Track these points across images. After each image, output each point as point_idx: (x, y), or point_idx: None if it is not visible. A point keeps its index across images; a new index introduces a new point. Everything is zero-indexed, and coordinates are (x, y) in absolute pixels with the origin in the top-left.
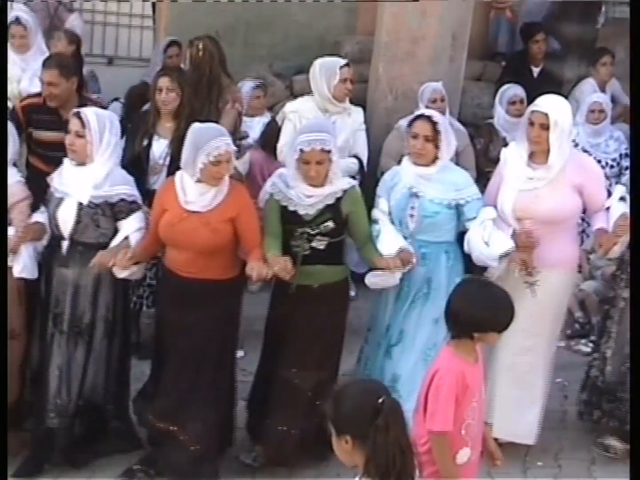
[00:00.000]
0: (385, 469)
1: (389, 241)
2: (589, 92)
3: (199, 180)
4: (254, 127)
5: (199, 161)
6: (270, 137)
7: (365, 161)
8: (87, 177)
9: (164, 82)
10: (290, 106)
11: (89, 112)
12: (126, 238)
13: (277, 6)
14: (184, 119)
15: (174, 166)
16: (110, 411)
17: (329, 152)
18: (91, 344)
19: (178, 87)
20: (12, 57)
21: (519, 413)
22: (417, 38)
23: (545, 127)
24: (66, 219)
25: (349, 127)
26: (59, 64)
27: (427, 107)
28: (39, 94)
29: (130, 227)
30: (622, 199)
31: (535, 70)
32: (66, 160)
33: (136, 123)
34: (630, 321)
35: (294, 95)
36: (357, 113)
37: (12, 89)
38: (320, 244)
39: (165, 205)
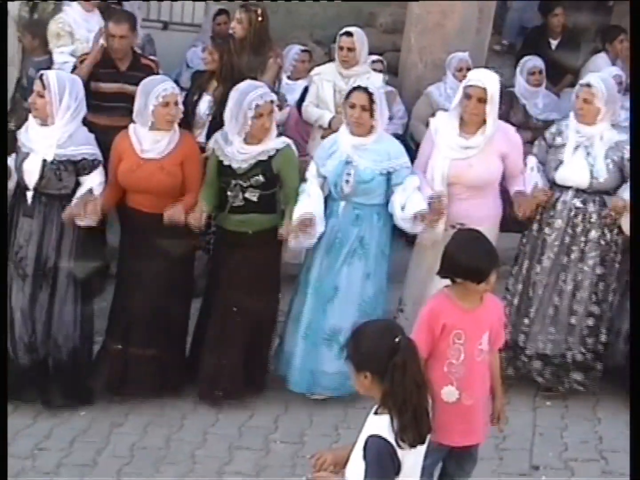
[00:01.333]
0: (403, 403)
1: (304, 204)
2: (603, 66)
3: (152, 128)
4: (297, 89)
5: (150, 104)
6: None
7: None
8: (51, 136)
9: (209, 46)
10: (315, 70)
11: (51, 75)
12: (90, 190)
13: None
14: (225, 80)
15: (213, 123)
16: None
17: (272, 102)
18: (55, 287)
19: (217, 52)
20: (78, 17)
21: None
22: (446, 11)
23: (483, 101)
24: (31, 172)
25: None
26: (128, 18)
27: (453, 75)
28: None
29: (93, 182)
30: (531, 169)
31: (554, 43)
32: (31, 118)
33: (194, 80)
34: (631, 319)
35: (332, 61)
36: (376, 77)
37: (82, 48)
38: (252, 195)
39: (122, 155)
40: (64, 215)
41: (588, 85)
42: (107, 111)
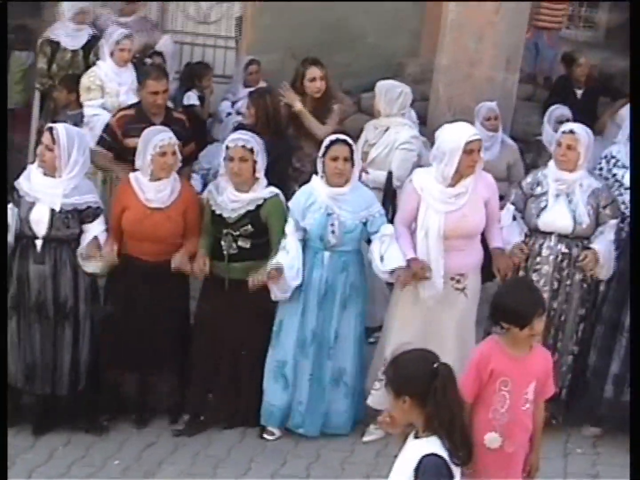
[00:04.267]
0: (450, 423)
1: (280, 256)
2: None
3: (152, 178)
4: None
5: (148, 154)
6: None
7: (397, 178)
8: (58, 186)
9: (249, 102)
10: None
11: (60, 129)
12: (95, 238)
13: (350, 29)
14: (258, 135)
15: None
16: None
17: (251, 150)
18: (77, 324)
19: (253, 106)
20: (110, 72)
21: None
22: (475, 61)
23: (479, 151)
24: (39, 221)
25: (389, 144)
26: (164, 74)
27: (482, 123)
28: (130, 106)
29: (97, 229)
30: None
31: (579, 92)
32: (33, 167)
33: None
34: (631, 321)
35: (362, 111)
36: (404, 132)
37: (112, 102)
38: (245, 243)
39: (125, 205)
40: (79, 259)
41: (571, 131)
42: None
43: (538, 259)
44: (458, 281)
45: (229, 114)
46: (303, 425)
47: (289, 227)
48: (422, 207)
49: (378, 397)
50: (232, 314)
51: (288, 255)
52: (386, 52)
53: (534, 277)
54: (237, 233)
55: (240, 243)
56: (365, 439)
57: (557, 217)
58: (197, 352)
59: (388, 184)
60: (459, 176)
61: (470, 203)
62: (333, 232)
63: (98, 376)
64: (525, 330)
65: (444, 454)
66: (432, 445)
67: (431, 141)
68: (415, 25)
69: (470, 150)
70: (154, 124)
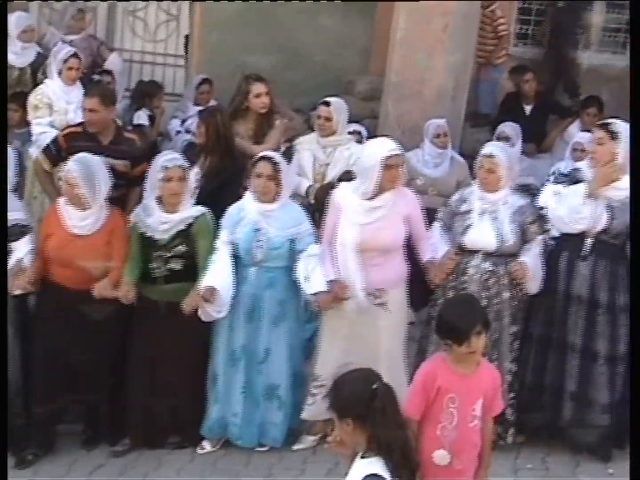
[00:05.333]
0: (388, 444)
1: (211, 274)
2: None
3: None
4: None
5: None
6: None
7: None
8: None
9: (199, 121)
10: (297, 139)
11: None
12: (19, 260)
13: (299, 47)
14: (213, 153)
15: (200, 195)
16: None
17: (184, 169)
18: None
19: (204, 125)
20: (58, 90)
21: None
22: (424, 78)
23: (400, 167)
24: None
25: (344, 161)
26: (99, 92)
27: (431, 141)
28: (79, 124)
29: (23, 249)
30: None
31: (528, 109)
32: None
33: (185, 152)
34: (630, 324)
35: (312, 129)
36: (355, 148)
37: (60, 120)
38: (176, 264)
39: (50, 230)
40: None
41: (490, 155)
42: None
43: (464, 277)
44: (377, 297)
45: (179, 132)
46: (241, 437)
47: (222, 240)
48: (341, 220)
49: (311, 410)
50: (165, 337)
51: (218, 271)
52: (336, 70)
53: None
54: (170, 254)
55: (171, 265)
56: (295, 447)
57: (481, 235)
58: (133, 376)
59: None
60: (379, 191)
61: (387, 217)
62: (260, 247)
63: (27, 406)
64: (463, 346)
65: (385, 474)
66: (374, 465)
67: None
68: (364, 43)
69: (389, 165)
70: (100, 142)
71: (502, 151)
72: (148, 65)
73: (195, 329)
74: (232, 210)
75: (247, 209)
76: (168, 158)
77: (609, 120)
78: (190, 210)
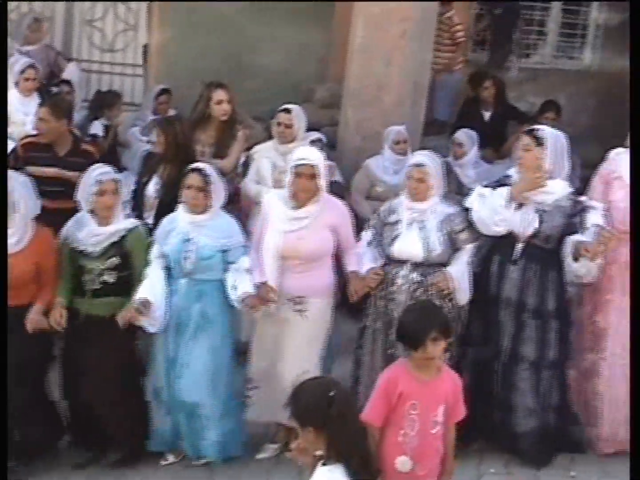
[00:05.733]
0: (347, 450)
1: (144, 288)
2: None
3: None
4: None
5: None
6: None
7: None
8: None
9: (157, 130)
10: (255, 148)
11: None
12: None
13: (258, 56)
14: (172, 162)
15: (161, 205)
16: None
17: (117, 182)
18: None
19: (163, 134)
20: (15, 101)
21: None
22: (382, 85)
23: (313, 177)
24: None
25: None
26: (51, 103)
27: (391, 147)
28: (35, 135)
29: None
30: (369, 243)
31: (486, 115)
32: None
33: (145, 162)
34: (631, 327)
35: (271, 137)
36: None
37: (18, 131)
38: (110, 277)
39: None
40: None
41: (420, 165)
42: (48, 195)
43: (393, 288)
44: (297, 303)
45: (139, 141)
46: (190, 449)
47: (154, 253)
48: (268, 227)
49: (253, 412)
50: (94, 350)
51: (151, 284)
52: (295, 77)
53: (391, 306)
54: (104, 267)
55: (105, 277)
56: (259, 456)
57: (409, 245)
58: (66, 394)
59: None
60: (304, 200)
61: (310, 227)
62: (188, 258)
63: None
64: (419, 352)
65: None
66: (334, 473)
67: (340, 165)
68: (323, 50)
69: (298, 174)
70: (55, 153)
71: (431, 160)
72: (106, 75)
73: (124, 343)
74: (164, 221)
75: (178, 220)
76: (101, 172)
77: (536, 127)
78: (123, 223)
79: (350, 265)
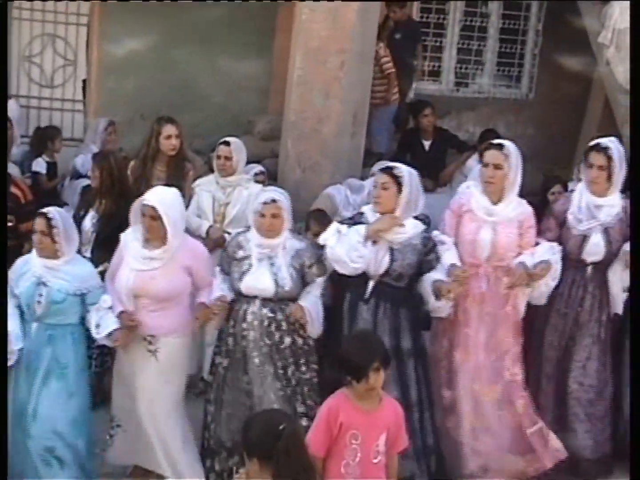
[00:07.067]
0: None
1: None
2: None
3: None
4: None
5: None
6: None
7: None
8: None
9: (93, 165)
10: (196, 182)
11: None
12: None
13: (197, 89)
14: (107, 196)
15: (97, 239)
16: None
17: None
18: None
19: (97, 168)
20: None
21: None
22: (322, 117)
23: (160, 218)
24: None
25: (243, 199)
26: None
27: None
28: None
29: None
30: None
31: (426, 144)
32: None
33: (82, 196)
34: (631, 324)
35: (212, 171)
36: (254, 187)
37: None
38: None
39: None
40: None
41: (274, 201)
42: None
43: (244, 324)
44: (149, 342)
45: (80, 176)
46: None
47: (8, 293)
48: (122, 263)
49: (113, 452)
50: None
51: (8, 320)
52: (235, 110)
53: (243, 343)
54: None
55: None
56: None
57: (258, 280)
58: None
59: None
60: (156, 239)
61: (164, 268)
62: (39, 302)
63: None
64: (362, 383)
65: None
66: None
67: None
68: (263, 83)
69: (144, 214)
70: None
71: (283, 195)
72: (45, 111)
73: None
74: (18, 262)
75: (31, 263)
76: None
77: (393, 164)
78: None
79: (201, 298)
